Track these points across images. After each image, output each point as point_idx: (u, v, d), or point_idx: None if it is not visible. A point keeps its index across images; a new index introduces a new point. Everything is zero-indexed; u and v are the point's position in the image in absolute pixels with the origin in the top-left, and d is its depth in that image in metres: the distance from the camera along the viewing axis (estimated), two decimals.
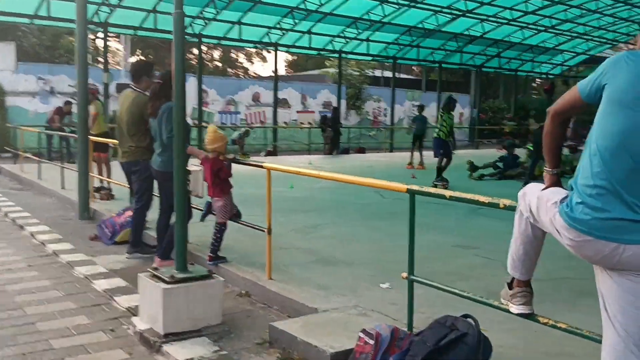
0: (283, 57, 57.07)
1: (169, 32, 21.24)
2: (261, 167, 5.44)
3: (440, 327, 3.58)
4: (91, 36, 27.81)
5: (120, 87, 23.66)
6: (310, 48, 24.75)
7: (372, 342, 3.55)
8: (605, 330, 2.57)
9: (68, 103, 17.44)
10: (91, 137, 9.19)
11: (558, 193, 2.73)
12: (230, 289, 5.47)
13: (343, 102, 28.70)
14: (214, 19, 20.89)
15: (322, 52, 26.52)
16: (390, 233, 7.60)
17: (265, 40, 23.42)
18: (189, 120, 19.10)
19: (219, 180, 5.93)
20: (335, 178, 4.45)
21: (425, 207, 9.62)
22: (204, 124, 22.24)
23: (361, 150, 24.89)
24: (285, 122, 27.26)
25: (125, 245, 7.00)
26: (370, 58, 28.40)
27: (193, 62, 46.89)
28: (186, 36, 22.11)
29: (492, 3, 22.90)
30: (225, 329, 4.51)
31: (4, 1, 17.60)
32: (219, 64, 54.93)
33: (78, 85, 8.86)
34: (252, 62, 62.18)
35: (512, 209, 3.21)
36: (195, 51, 53.42)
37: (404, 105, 33.10)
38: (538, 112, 12.06)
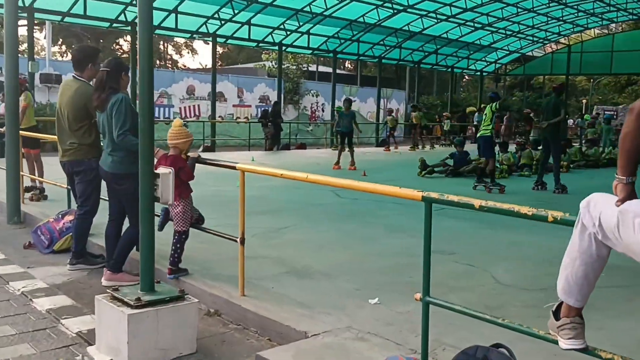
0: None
1: (100, 19, 20.29)
2: (234, 168, 4.78)
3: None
4: None
5: (45, 78, 22.19)
6: (249, 40, 23.92)
7: None
8: None
9: None
10: (22, 132, 8.23)
11: None
12: None
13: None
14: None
15: (261, 44, 25.74)
16: (362, 237, 7.09)
17: (203, 30, 22.43)
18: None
19: (179, 181, 5.22)
20: (334, 184, 3.84)
21: (387, 208, 9.26)
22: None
23: (302, 146, 24.33)
24: (221, 117, 26.36)
25: (65, 255, 6.21)
26: (310, 52, 27.83)
27: (118, 53, 45.06)
28: (120, 25, 21.01)
29: None
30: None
31: None
32: None
33: (6, 74, 7.88)
34: (182, 55, 60.66)
35: (564, 222, 2.73)
36: (122, 42, 51.58)
37: (341, 101, 32.71)
38: (549, 112, 11.80)
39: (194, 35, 24.00)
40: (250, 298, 4.70)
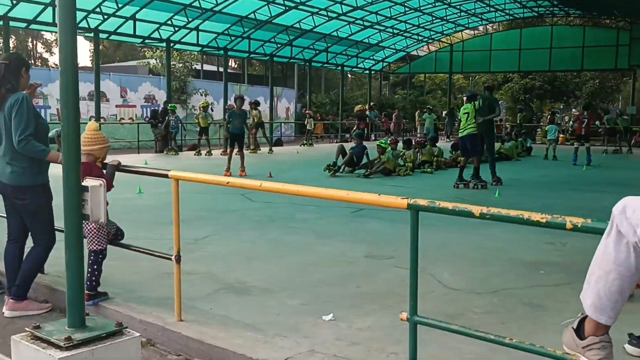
0: (87, 46, 52.64)
1: None
2: (166, 176, 4.17)
3: None
4: None
5: None
6: (134, 36, 22.60)
7: None
8: None
9: None
10: None
11: None
12: None
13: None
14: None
15: (148, 41, 24.47)
16: (291, 245, 6.63)
17: (84, 25, 20.91)
18: None
19: None
20: (318, 194, 3.34)
21: (305, 210, 8.84)
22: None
23: (194, 148, 23.34)
24: (103, 118, 24.83)
25: None
26: (199, 49, 26.88)
27: None
28: None
29: None
30: None
31: None
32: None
33: None
34: (53, 53, 57.03)
35: (585, 229, 2.43)
36: None
37: (231, 99, 31.97)
38: (483, 109, 11.96)
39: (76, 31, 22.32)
40: (189, 323, 4.12)
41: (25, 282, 4.64)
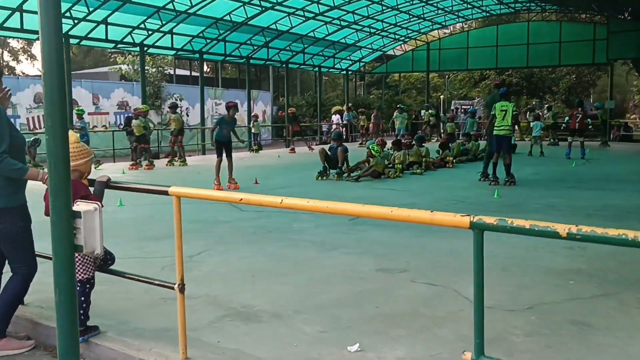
0: None
1: None
2: (166, 193, 3.62)
3: None
4: None
5: None
6: (107, 40, 21.77)
7: None
8: None
9: None
10: None
11: None
12: None
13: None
14: None
15: (120, 45, 23.67)
16: (294, 260, 6.11)
17: None
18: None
19: None
20: (357, 212, 2.84)
21: (300, 219, 8.32)
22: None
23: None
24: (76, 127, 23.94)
25: None
26: (174, 52, 26.15)
27: None
28: None
29: None
30: None
31: None
32: None
33: None
34: (19, 61, 55.53)
35: None
36: None
37: (206, 104, 31.28)
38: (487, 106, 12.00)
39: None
40: None
41: (4, 318, 4.08)
